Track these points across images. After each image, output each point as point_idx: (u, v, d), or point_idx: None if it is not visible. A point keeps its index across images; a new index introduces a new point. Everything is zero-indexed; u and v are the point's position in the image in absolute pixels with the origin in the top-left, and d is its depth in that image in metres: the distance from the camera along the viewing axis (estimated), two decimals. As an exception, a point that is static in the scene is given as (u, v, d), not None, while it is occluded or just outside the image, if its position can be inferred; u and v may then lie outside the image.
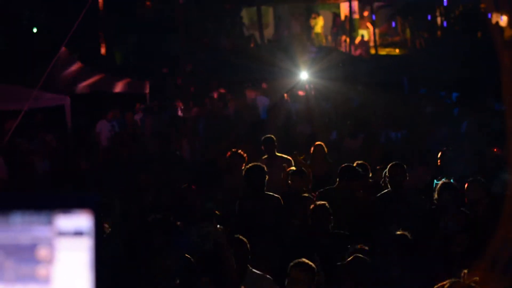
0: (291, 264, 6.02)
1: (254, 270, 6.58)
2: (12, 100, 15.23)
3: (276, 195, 8.75)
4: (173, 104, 18.75)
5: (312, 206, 7.72)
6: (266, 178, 8.56)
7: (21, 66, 20.85)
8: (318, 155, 11.43)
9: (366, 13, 30.93)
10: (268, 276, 6.60)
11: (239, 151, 10.29)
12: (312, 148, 11.57)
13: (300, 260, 6.05)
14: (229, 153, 10.38)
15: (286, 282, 6.01)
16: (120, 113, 17.73)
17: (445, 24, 30.11)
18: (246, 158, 10.14)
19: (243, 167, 9.57)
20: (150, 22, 24.32)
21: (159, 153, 13.46)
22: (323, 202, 7.73)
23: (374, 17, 30.38)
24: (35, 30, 25.58)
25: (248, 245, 6.60)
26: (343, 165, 9.17)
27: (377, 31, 30.03)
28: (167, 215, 6.54)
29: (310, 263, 6.01)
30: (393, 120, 16.04)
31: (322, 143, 11.64)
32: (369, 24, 30.32)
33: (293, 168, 9.79)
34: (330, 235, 7.58)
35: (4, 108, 15.53)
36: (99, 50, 24.37)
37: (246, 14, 31.78)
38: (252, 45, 28.95)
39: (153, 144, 14.67)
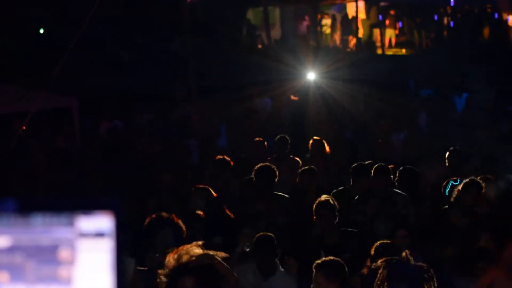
0: (314, 267, 5.76)
1: (281, 268, 6.69)
2: (20, 102, 15.25)
3: (285, 195, 8.76)
4: (182, 106, 18.71)
5: (316, 202, 7.60)
6: (276, 179, 8.57)
7: (28, 68, 20.89)
8: (316, 150, 11.30)
9: (372, 14, 30.91)
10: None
11: (225, 157, 10.21)
12: (310, 143, 11.46)
13: (326, 259, 5.80)
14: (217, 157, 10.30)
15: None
16: (127, 113, 17.78)
17: (452, 24, 30.07)
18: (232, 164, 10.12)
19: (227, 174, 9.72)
20: (157, 22, 24.33)
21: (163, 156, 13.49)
22: (327, 197, 7.61)
23: (380, 17, 30.36)
24: (42, 31, 25.61)
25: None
26: (355, 164, 9.18)
27: (383, 31, 30.00)
28: (170, 214, 6.59)
29: (340, 262, 5.73)
30: (397, 121, 16.04)
31: (320, 138, 11.49)
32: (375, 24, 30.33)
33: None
34: (337, 233, 7.48)
35: (12, 110, 15.55)
36: (106, 51, 24.38)
37: (252, 15, 31.77)
38: (259, 46, 28.93)
39: (159, 145, 14.68)
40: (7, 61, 22.38)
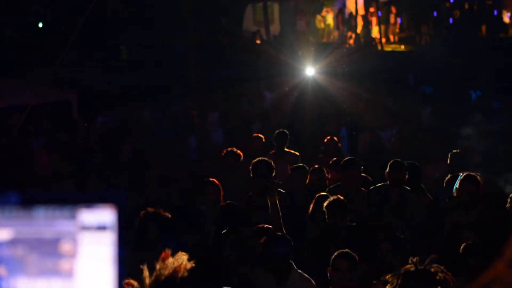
0: (335, 254, 6.20)
1: (298, 270, 6.56)
2: (19, 96, 15.23)
3: (283, 191, 8.74)
4: (181, 102, 18.73)
5: (327, 201, 7.64)
6: (273, 173, 8.52)
7: (27, 61, 20.89)
8: (330, 149, 11.45)
9: (372, 10, 30.88)
10: (308, 277, 6.58)
11: (234, 149, 10.16)
12: (325, 142, 11.68)
13: (343, 250, 6.20)
14: (224, 151, 10.25)
15: (329, 273, 6.16)
16: (124, 107, 17.82)
17: (451, 20, 30.05)
18: (242, 156, 10.05)
19: (238, 166, 9.67)
20: (156, 17, 24.33)
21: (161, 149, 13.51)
22: (337, 196, 7.66)
23: (380, 13, 30.32)
24: (40, 25, 25.60)
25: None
26: (345, 159, 9.23)
27: (382, 27, 29.98)
28: (159, 209, 6.60)
29: (352, 253, 6.16)
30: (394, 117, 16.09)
31: (335, 137, 11.74)
32: (374, 20, 30.31)
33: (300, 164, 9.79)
34: (347, 228, 7.54)
35: (11, 103, 15.54)
36: (106, 45, 24.37)
37: (252, 10, 31.75)
38: (258, 41, 28.91)
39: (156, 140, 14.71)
40: (7, 55, 22.38)
